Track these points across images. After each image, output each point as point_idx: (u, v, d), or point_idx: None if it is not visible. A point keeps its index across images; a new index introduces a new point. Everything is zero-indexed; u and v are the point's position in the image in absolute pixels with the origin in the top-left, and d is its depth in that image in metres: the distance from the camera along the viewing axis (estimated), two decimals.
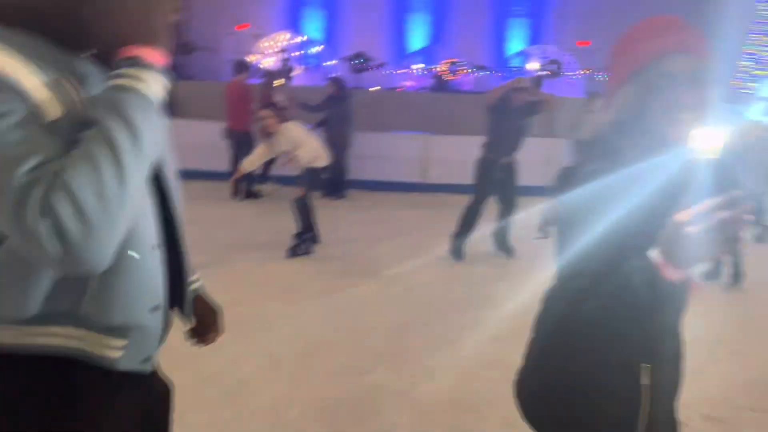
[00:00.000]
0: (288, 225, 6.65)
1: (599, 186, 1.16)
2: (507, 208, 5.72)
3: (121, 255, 0.97)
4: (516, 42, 20.31)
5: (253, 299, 4.46)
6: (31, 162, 0.82)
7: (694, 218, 0.91)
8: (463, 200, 5.77)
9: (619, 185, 1.13)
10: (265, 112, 5.61)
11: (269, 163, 7.96)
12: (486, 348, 3.74)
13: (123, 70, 0.95)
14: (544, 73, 15.06)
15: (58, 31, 0.96)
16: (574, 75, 17.38)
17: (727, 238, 0.90)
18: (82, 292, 0.98)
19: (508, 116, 5.52)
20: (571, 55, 19.03)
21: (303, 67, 17.68)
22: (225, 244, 5.90)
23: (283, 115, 5.77)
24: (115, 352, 1.04)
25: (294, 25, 19.48)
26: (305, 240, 5.65)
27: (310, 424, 2.89)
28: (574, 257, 1.17)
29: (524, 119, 5.65)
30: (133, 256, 1.02)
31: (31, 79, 0.87)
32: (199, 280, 1.46)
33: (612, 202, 1.11)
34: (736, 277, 5.09)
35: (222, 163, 8.30)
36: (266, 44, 18.33)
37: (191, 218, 5.93)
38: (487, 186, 5.62)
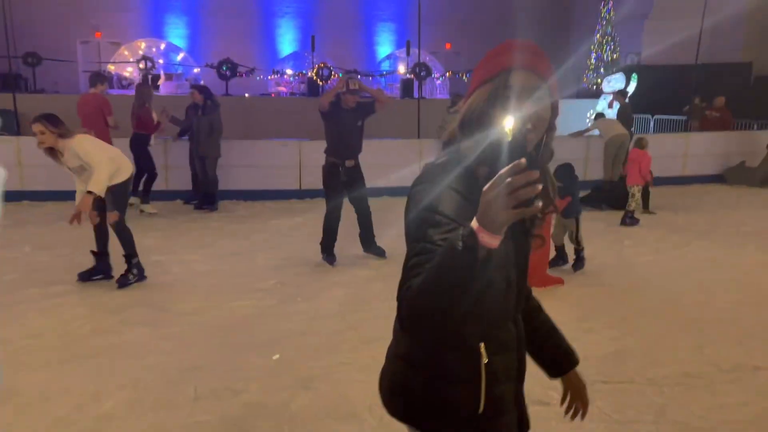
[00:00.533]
0: (157, 242, 6.34)
1: (429, 176, 1.29)
2: (361, 210, 5.80)
3: None
4: (385, 46, 20.77)
5: (117, 325, 4.18)
6: None
7: (492, 185, 1.01)
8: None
9: (439, 172, 1.26)
10: (35, 126, 4.56)
11: (138, 178, 7.54)
12: (361, 352, 3.76)
13: None
14: (410, 76, 15.48)
15: None
16: (440, 77, 18.08)
17: (521, 203, 0.99)
18: None
19: (342, 119, 5.57)
20: (436, 59, 19.78)
21: (167, 74, 16.91)
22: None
23: (62, 129, 4.61)
24: None
25: (156, 32, 18.59)
26: (135, 265, 5.02)
27: None
28: (410, 244, 1.24)
29: (359, 120, 5.68)
30: None
31: None
32: None
33: (435, 187, 1.23)
34: (577, 262, 5.50)
35: (72, 183, 7.70)
36: (125, 53, 17.33)
37: (44, 243, 5.51)
38: (335, 190, 5.64)
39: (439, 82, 19.13)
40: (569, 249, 5.58)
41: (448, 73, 18.65)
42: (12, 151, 8.41)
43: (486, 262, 1.05)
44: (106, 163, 4.63)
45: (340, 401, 3.21)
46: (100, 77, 8.02)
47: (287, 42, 19.64)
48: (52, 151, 4.69)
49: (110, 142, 7.28)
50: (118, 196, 4.84)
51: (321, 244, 5.70)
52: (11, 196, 8.18)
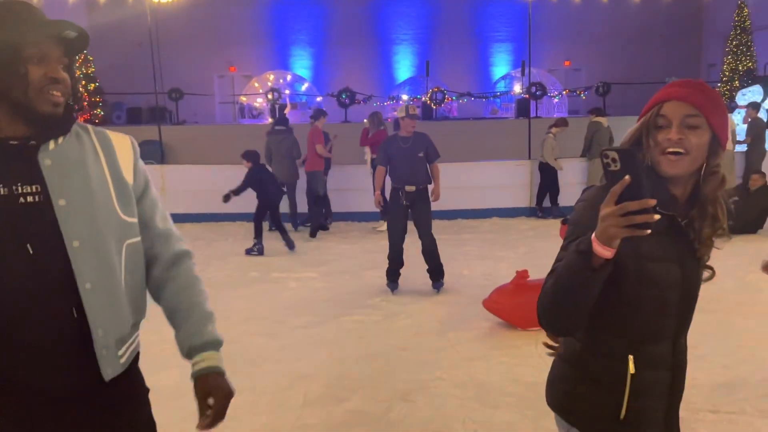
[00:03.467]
0: (281, 262, 6.82)
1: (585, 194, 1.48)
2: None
3: None
4: (501, 67, 20.73)
5: (240, 335, 4.62)
6: None
7: (606, 201, 1.16)
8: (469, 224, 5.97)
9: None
10: None
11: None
12: (459, 369, 3.90)
13: None
14: (525, 96, 15.34)
15: None
16: (557, 95, 17.70)
17: (632, 225, 1.14)
18: None
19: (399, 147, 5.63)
20: (554, 76, 19.42)
21: (293, 104, 18.06)
22: (218, 284, 6.08)
23: None
24: None
25: (283, 64, 19.94)
26: None
27: None
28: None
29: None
30: None
31: None
32: (202, 361, 1.55)
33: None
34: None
35: (211, 206, 8.54)
36: (255, 85, 18.76)
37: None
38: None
39: (556, 100, 18.76)
40: None
41: (565, 91, 18.24)
42: (157, 177, 9.47)
43: (600, 270, 1.22)
44: None
45: (436, 414, 3.36)
46: (319, 111, 9.11)
47: (404, 68, 20.24)
48: None
49: (322, 168, 8.56)
50: None
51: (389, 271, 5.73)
52: None
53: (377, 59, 19.98)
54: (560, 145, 9.38)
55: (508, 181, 9.60)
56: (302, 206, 9.06)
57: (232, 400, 3.54)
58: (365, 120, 9.68)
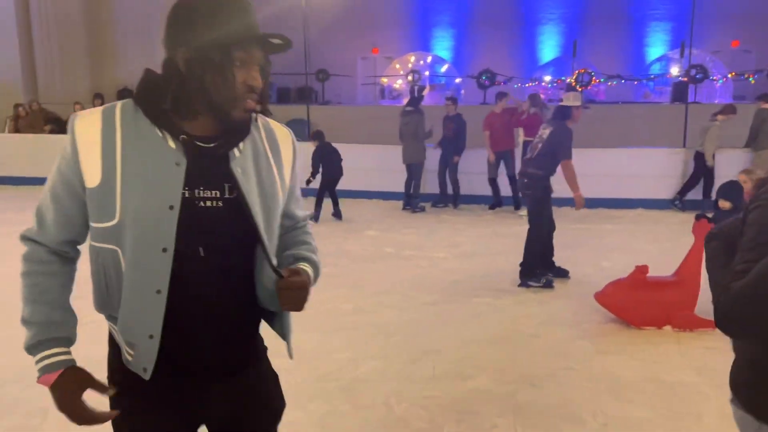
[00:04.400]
0: (410, 239, 6.98)
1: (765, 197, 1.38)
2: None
3: (128, 298, 1.35)
4: (656, 48, 19.29)
5: (373, 306, 4.84)
6: None
7: None
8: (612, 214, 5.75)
9: None
10: None
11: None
12: (593, 362, 3.78)
13: None
14: (683, 79, 14.14)
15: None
16: (721, 79, 16.13)
17: None
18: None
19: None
20: (719, 58, 17.72)
21: (431, 86, 18.17)
22: (354, 257, 6.36)
23: None
24: (129, 356, 1.43)
25: (424, 45, 20.09)
26: None
27: (415, 418, 3.17)
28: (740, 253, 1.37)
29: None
30: (135, 301, 1.36)
31: None
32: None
33: None
34: None
35: (352, 183, 8.90)
36: (396, 66, 19.09)
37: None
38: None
39: (719, 85, 17.12)
40: None
41: (731, 75, 16.57)
42: (306, 155, 10.01)
43: None
44: None
45: (565, 403, 3.31)
46: (501, 94, 9.25)
47: (548, 48, 19.53)
48: None
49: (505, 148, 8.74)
50: None
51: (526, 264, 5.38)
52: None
53: (520, 40, 19.44)
54: (722, 134, 8.58)
55: (659, 170, 8.98)
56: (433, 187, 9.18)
57: (366, 366, 3.70)
58: (524, 101, 9.29)
